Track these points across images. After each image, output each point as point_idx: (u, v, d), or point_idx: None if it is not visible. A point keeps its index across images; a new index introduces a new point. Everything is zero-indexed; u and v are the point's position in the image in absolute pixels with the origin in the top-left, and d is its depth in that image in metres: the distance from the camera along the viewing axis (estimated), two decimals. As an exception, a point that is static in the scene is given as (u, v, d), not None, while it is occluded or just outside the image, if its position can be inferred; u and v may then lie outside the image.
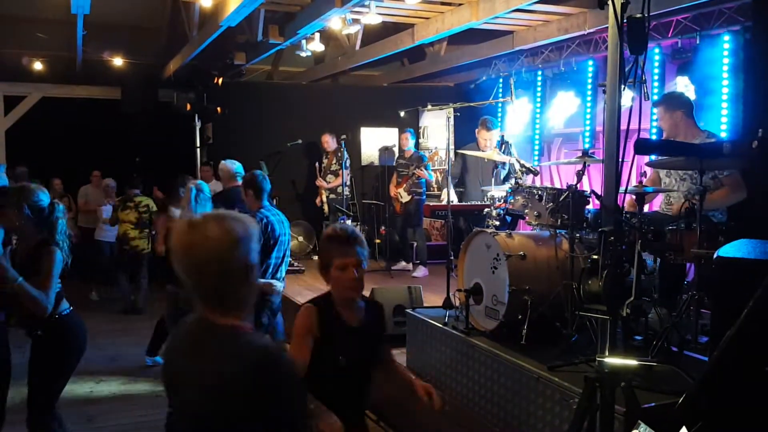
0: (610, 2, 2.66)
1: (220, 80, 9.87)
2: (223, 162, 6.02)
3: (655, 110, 4.54)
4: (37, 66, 10.05)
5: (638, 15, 2.60)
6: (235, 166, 5.83)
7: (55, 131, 10.58)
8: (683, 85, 6.32)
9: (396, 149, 10.02)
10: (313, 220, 9.78)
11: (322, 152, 9.48)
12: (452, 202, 6.14)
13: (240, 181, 5.46)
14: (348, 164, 9.08)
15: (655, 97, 6.38)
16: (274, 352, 1.84)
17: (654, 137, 6.43)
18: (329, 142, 9.19)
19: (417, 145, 9.93)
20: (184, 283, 1.84)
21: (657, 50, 6.84)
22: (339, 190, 8.97)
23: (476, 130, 6.69)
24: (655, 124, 6.45)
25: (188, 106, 10.32)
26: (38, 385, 3.60)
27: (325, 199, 9.22)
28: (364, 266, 2.64)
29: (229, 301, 1.85)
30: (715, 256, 2.33)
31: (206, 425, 1.81)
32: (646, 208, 4.30)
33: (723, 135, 5.86)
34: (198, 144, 10.43)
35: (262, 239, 4.38)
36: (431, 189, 9.66)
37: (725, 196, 4.15)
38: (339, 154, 9.01)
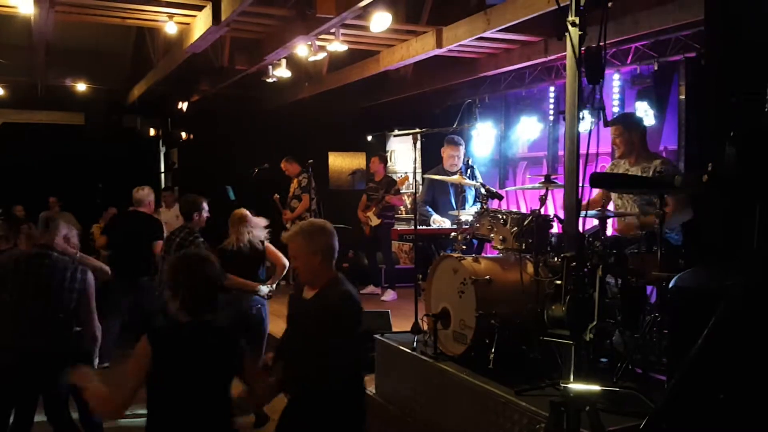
0: (568, 33, 2.74)
1: (185, 106, 9.84)
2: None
3: (612, 128, 4.65)
4: (-1, 91, 9.89)
5: (594, 45, 2.69)
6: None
7: (17, 157, 10.39)
8: (642, 111, 6.49)
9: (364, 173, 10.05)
10: (283, 246, 9.69)
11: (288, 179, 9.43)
12: (441, 225, 6.18)
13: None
14: (311, 187, 9.00)
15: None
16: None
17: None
18: (289, 168, 9.10)
19: (385, 169, 9.97)
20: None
21: (616, 76, 7.02)
22: (303, 215, 8.84)
23: (441, 149, 6.72)
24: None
25: (152, 132, 10.27)
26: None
27: (289, 226, 9.11)
28: None
29: None
30: (671, 285, 2.39)
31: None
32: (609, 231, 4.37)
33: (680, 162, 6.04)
34: (163, 169, 10.36)
35: None
36: (400, 213, 9.70)
37: (669, 215, 4.23)
38: (301, 179, 8.95)
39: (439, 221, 6.32)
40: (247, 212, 5.53)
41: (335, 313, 3.00)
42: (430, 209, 6.51)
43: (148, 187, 6.73)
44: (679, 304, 2.26)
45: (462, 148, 6.63)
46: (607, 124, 4.53)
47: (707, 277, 2.27)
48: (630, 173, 4.51)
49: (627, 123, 4.65)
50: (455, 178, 5.55)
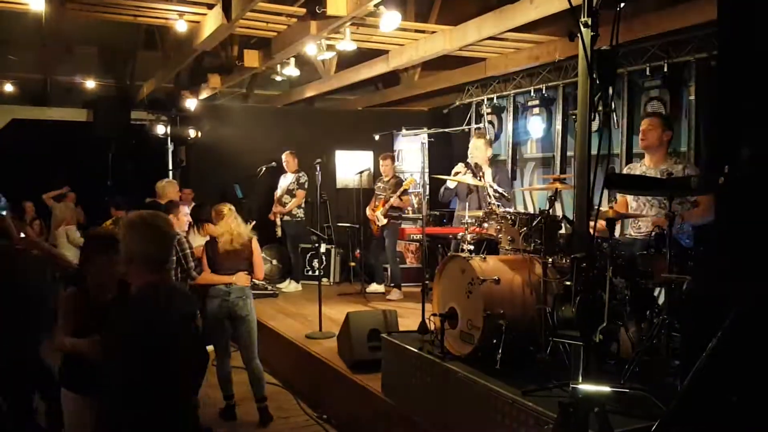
0: (580, 34, 2.73)
1: (194, 103, 9.86)
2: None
3: (647, 120, 4.71)
4: (8, 88, 9.94)
5: (607, 47, 2.67)
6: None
7: (26, 153, 10.44)
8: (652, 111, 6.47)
9: (370, 173, 10.06)
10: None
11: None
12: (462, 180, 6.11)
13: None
14: (306, 186, 9.02)
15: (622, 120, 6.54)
16: None
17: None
18: (290, 162, 9.09)
19: (393, 168, 9.96)
20: None
21: (626, 77, 7.00)
22: (294, 212, 8.93)
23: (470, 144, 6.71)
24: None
25: (161, 129, 10.30)
26: None
27: (279, 221, 9.17)
28: None
29: None
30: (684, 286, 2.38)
31: None
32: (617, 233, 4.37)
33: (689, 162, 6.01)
34: (171, 167, 10.39)
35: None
36: (407, 212, 9.68)
37: (702, 213, 4.27)
38: (299, 176, 8.97)
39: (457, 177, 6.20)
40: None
41: (113, 329, 2.59)
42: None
43: (166, 179, 7.04)
44: (694, 308, 2.25)
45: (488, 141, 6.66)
46: (647, 115, 4.60)
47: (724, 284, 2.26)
48: (648, 175, 4.53)
49: (666, 122, 4.72)
50: (465, 178, 5.55)
